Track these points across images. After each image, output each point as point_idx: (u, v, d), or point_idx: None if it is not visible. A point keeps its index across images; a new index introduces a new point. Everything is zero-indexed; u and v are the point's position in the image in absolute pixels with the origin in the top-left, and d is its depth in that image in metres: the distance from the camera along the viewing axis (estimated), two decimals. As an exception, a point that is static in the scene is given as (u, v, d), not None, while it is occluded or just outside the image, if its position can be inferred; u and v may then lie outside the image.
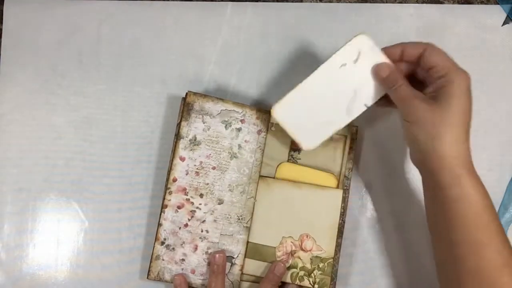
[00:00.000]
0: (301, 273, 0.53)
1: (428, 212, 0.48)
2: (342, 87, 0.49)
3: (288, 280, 0.53)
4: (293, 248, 0.53)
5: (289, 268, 0.53)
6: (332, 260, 0.53)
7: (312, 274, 0.53)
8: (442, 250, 0.46)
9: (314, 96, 0.50)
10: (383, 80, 0.48)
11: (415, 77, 0.49)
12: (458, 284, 0.43)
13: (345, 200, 0.53)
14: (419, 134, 0.44)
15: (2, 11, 0.61)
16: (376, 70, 0.48)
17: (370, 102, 0.49)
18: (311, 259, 0.53)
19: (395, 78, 0.47)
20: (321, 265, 0.53)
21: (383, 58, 0.48)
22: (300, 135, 0.51)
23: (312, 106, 0.50)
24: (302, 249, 0.53)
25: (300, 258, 0.53)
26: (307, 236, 0.53)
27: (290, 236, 0.53)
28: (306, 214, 0.53)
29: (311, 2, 0.60)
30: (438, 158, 0.43)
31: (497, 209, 0.56)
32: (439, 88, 0.44)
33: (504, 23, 0.58)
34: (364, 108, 0.49)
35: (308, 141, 0.51)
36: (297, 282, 0.53)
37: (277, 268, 0.52)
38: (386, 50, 0.48)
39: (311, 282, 0.53)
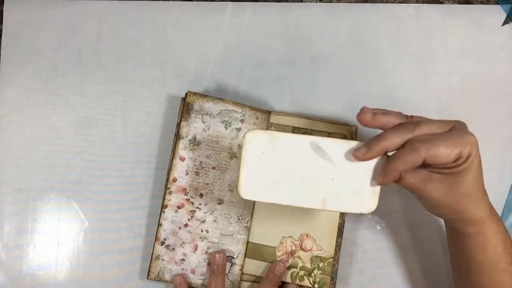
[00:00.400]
0: (301, 272, 0.53)
1: (450, 251, 0.49)
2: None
3: (288, 279, 0.53)
4: (293, 247, 0.53)
5: (289, 267, 0.53)
6: (332, 259, 0.53)
7: (312, 274, 0.53)
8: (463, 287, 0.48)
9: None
10: (383, 178, 0.42)
11: None
12: None
13: (345, 200, 0.53)
14: (443, 211, 0.44)
15: (2, 11, 0.61)
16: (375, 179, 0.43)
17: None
18: (311, 258, 0.53)
19: (393, 172, 0.41)
20: (321, 264, 0.53)
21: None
22: None
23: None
24: (302, 249, 0.53)
25: (300, 258, 0.53)
26: (307, 236, 0.53)
27: (290, 236, 0.53)
28: (306, 213, 0.53)
29: (311, 2, 0.60)
30: (464, 219, 0.43)
31: (500, 210, 0.56)
32: (450, 168, 0.40)
33: (504, 23, 0.58)
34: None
35: None
36: (297, 281, 0.53)
37: (277, 268, 0.52)
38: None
39: (311, 282, 0.53)
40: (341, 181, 0.43)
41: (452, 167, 0.40)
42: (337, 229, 0.53)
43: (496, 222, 0.44)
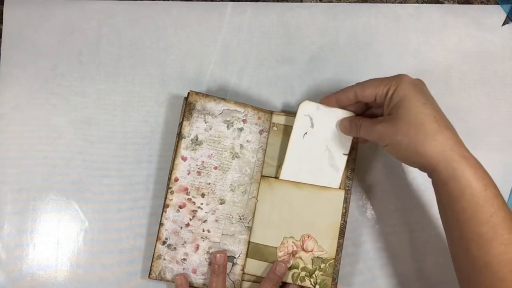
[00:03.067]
0: (302, 273, 0.53)
1: (438, 207, 0.47)
2: (316, 151, 0.53)
3: (289, 280, 0.53)
4: (295, 248, 0.53)
5: (290, 268, 0.53)
6: (333, 260, 0.53)
7: (314, 275, 0.53)
8: (453, 243, 0.45)
9: (304, 162, 0.53)
10: (348, 132, 0.51)
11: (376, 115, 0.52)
12: (471, 279, 0.43)
13: (346, 200, 0.53)
14: (398, 148, 0.45)
15: (2, 11, 0.61)
16: (340, 128, 0.52)
17: (346, 150, 0.53)
18: (312, 259, 0.53)
19: (355, 122, 0.50)
20: (322, 265, 0.53)
21: (332, 111, 0.52)
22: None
23: (307, 168, 0.54)
24: (303, 250, 0.53)
25: (301, 259, 0.53)
26: (308, 237, 0.53)
27: (291, 237, 0.53)
28: (307, 214, 0.53)
29: (311, 2, 0.60)
30: (426, 159, 0.43)
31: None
32: (388, 105, 0.46)
33: (504, 23, 0.59)
34: (346, 157, 0.53)
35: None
36: (298, 282, 0.53)
37: (278, 268, 0.52)
38: (323, 101, 0.52)
39: (312, 283, 0.53)
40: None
41: (387, 103, 0.46)
42: (338, 230, 0.53)
43: (474, 169, 0.42)
